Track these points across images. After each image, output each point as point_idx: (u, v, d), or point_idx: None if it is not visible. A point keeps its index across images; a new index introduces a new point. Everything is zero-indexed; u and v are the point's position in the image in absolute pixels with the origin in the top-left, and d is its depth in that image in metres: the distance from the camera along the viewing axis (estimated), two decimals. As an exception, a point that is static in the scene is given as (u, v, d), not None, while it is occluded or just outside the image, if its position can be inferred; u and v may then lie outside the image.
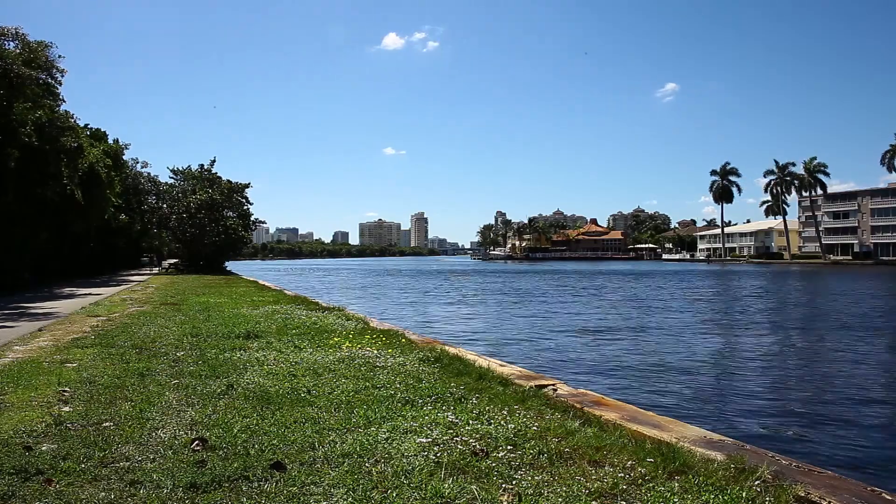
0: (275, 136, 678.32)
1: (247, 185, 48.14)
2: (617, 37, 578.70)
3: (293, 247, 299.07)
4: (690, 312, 25.34)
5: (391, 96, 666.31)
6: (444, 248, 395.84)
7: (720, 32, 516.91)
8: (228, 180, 47.45)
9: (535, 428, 4.53)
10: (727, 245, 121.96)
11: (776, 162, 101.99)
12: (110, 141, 43.85)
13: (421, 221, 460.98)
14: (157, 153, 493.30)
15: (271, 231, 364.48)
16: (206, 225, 44.72)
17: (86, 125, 37.84)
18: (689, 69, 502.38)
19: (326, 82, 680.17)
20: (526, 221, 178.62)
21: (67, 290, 23.67)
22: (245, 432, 4.44)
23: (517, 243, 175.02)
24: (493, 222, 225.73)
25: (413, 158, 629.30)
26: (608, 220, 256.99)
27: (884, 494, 3.49)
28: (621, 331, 19.45)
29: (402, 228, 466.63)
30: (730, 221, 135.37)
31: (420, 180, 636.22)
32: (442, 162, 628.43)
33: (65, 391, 5.82)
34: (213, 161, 48.10)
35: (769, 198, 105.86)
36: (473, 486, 3.43)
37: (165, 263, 53.04)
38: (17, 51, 24.39)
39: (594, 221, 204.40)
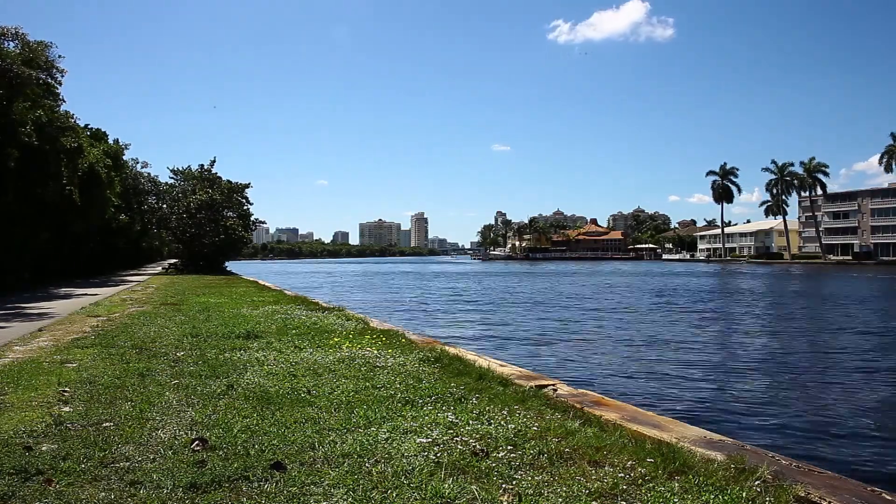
0: (276, 136, 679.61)
1: (247, 185, 48.05)
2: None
3: (293, 247, 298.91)
4: (691, 313, 25.33)
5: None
6: (444, 248, 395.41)
7: (720, 32, 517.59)
8: (228, 180, 47.44)
9: (535, 428, 4.52)
10: (727, 245, 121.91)
11: (775, 162, 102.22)
12: (110, 141, 43.83)
13: (421, 221, 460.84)
14: (157, 153, 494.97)
15: (271, 231, 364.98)
16: (206, 225, 44.67)
17: (86, 125, 37.83)
18: (691, 68, 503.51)
19: (326, 82, 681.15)
20: (526, 221, 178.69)
21: (67, 290, 23.63)
22: (245, 432, 4.44)
23: (517, 243, 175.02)
24: (493, 222, 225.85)
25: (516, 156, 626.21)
26: (608, 220, 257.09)
27: (884, 494, 3.49)
28: (619, 331, 19.45)
29: (403, 228, 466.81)
30: (730, 222, 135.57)
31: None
32: (442, 162, 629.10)
33: (65, 391, 5.81)
34: (213, 161, 48.04)
35: (769, 198, 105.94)
36: (473, 487, 3.42)
37: (165, 263, 52.88)
38: (17, 51, 24.40)
39: (594, 221, 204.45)
